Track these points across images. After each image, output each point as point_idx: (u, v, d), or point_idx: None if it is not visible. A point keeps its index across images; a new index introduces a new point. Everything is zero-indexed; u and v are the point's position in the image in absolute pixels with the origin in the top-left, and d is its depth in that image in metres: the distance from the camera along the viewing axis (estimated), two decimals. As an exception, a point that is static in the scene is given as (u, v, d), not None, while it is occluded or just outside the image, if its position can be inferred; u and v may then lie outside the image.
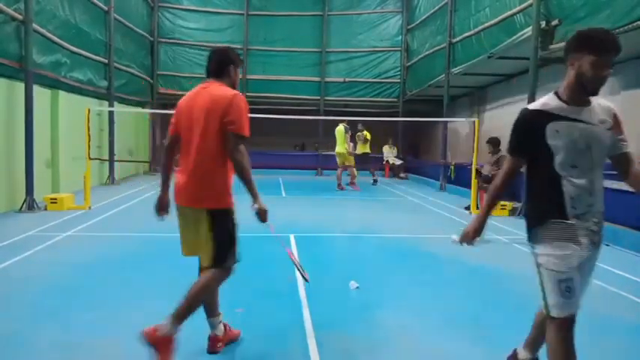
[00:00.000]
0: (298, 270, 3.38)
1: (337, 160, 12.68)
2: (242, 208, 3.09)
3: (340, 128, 12.44)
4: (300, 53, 17.54)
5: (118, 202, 9.29)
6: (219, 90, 2.94)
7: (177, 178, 2.98)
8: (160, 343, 2.69)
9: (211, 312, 3.11)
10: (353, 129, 12.99)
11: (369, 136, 13.53)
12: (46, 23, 9.11)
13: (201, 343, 3.13)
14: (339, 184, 12.44)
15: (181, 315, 2.76)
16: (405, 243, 6.39)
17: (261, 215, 2.94)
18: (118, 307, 3.79)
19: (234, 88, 3.13)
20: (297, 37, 17.50)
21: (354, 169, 12.74)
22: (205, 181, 2.85)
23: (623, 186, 6.54)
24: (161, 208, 3.20)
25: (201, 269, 3.07)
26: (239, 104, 2.86)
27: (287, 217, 8.10)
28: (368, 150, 13.56)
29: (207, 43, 17.16)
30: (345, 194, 11.64)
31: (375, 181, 14.09)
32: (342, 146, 12.40)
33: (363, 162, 13.53)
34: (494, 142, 9.68)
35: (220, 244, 2.92)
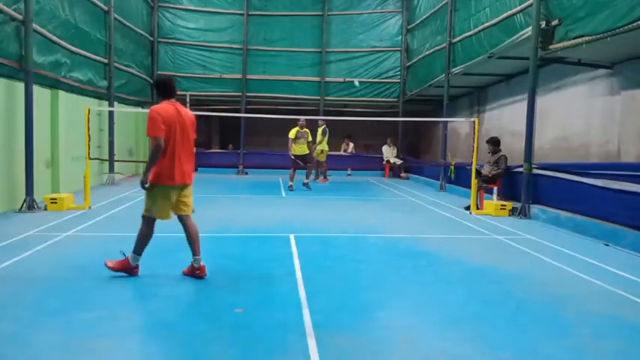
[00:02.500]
0: None
1: (320, 157, 13.71)
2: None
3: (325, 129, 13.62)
4: (300, 53, 17.52)
5: (118, 202, 9.29)
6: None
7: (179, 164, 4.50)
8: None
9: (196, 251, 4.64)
10: (292, 125, 12.58)
11: (310, 137, 12.47)
12: (45, 23, 9.10)
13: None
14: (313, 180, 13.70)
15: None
16: (405, 243, 6.39)
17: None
18: (117, 307, 3.79)
19: None
20: (297, 37, 17.48)
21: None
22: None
23: (623, 186, 6.57)
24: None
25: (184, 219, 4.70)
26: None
27: (287, 217, 8.10)
28: (307, 151, 12.33)
29: (207, 43, 17.16)
30: (345, 194, 11.63)
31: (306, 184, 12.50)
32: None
33: (305, 162, 12.28)
34: (494, 142, 9.68)
35: None
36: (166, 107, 4.45)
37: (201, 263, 4.57)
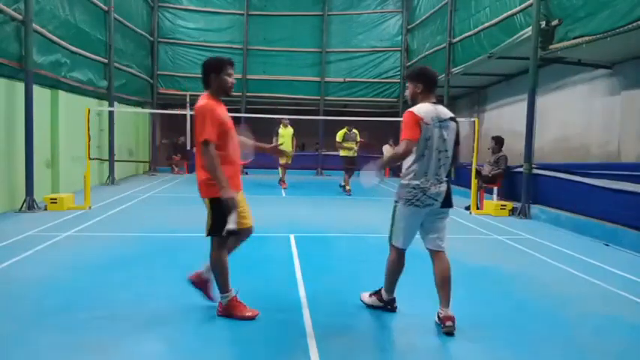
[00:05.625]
0: None
1: (285, 161, 12.53)
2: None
3: (291, 130, 12.40)
4: (300, 53, 17.53)
5: (118, 202, 9.29)
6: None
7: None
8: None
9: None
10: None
11: (358, 137, 12.23)
12: (46, 23, 9.10)
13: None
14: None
15: None
16: (405, 243, 6.37)
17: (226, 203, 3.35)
18: (117, 307, 3.78)
19: (219, 93, 3.57)
20: (297, 37, 17.49)
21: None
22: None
23: (623, 186, 6.56)
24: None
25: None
26: (198, 113, 3.41)
27: (287, 217, 8.10)
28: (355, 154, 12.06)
29: (207, 43, 17.16)
30: (345, 194, 11.62)
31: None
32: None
33: (351, 164, 11.98)
34: (498, 140, 9.69)
35: None
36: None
37: (218, 300, 3.74)
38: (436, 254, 3.64)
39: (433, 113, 3.47)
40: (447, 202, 3.56)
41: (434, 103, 3.57)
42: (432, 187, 3.48)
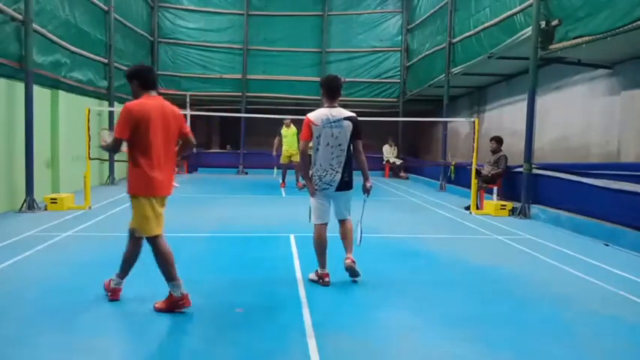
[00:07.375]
0: None
1: (295, 159, 12.26)
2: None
3: (294, 130, 12.28)
4: (300, 53, 17.53)
5: (118, 202, 9.29)
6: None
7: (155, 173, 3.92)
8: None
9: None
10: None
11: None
12: (46, 23, 9.10)
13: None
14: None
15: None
16: (405, 243, 6.39)
17: None
18: (117, 307, 3.79)
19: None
20: (297, 37, 17.49)
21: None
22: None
23: (623, 186, 6.57)
24: None
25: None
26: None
27: (287, 217, 8.10)
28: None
29: (207, 43, 17.16)
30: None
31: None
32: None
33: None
34: (498, 140, 9.69)
35: None
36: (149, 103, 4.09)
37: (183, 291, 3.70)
38: (342, 222, 4.72)
39: (325, 116, 4.29)
40: (345, 187, 4.46)
41: (333, 107, 4.36)
42: (326, 175, 4.37)
